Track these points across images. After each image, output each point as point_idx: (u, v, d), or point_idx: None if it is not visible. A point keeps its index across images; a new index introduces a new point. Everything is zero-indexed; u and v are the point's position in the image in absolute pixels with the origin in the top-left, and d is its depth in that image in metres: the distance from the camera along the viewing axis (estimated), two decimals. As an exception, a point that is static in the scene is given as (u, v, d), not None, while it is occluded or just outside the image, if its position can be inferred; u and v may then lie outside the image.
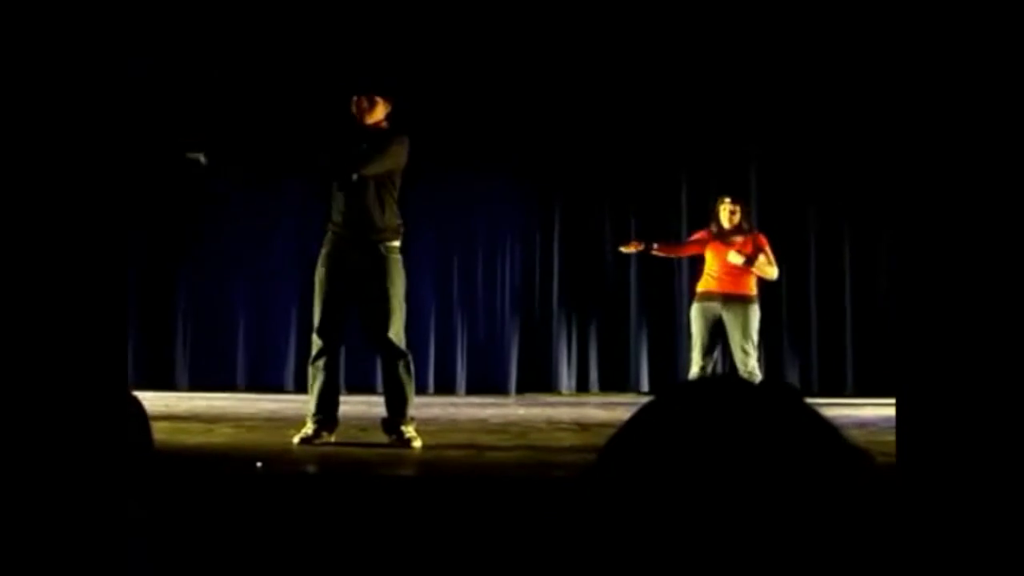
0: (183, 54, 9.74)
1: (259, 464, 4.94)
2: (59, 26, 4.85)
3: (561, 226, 11.12)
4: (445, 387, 10.74)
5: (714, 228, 7.88)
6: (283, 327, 10.55)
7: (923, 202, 4.35)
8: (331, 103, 6.50)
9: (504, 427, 7.30)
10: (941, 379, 4.18)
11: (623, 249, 8.24)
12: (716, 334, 7.79)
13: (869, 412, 7.97)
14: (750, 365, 7.64)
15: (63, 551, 1.27)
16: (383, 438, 5.96)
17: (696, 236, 8.07)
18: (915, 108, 4.43)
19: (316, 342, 6.04)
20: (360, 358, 9.86)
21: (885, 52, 6.39)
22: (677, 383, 1.07)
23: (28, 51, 4.78)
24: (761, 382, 1.02)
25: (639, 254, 8.31)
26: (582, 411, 8.77)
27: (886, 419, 5.97)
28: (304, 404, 6.19)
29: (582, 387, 11.05)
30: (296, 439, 5.88)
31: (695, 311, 7.84)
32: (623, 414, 0.98)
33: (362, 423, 6.75)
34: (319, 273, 6.06)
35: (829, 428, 0.93)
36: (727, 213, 7.79)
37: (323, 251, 6.08)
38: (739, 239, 7.79)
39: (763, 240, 7.89)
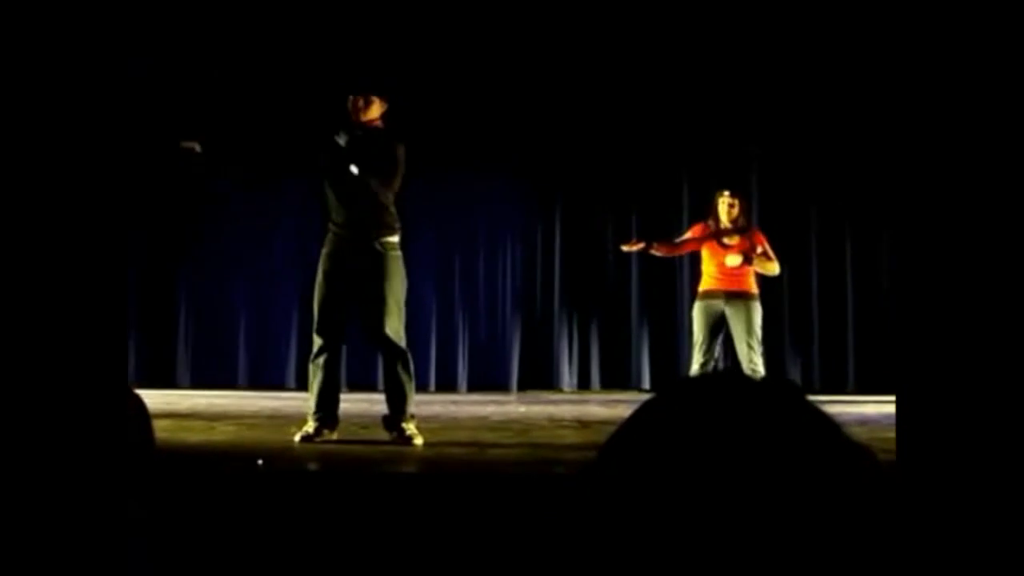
0: (183, 54, 9.74)
1: (260, 462, 4.94)
2: (59, 26, 4.85)
3: (562, 224, 11.12)
4: (446, 385, 10.74)
5: (711, 222, 7.86)
6: (284, 325, 10.56)
7: (923, 200, 4.35)
8: (331, 103, 6.50)
9: (505, 425, 7.31)
10: (941, 376, 4.18)
11: (624, 248, 8.23)
12: (717, 332, 7.79)
13: (870, 409, 7.97)
14: (754, 361, 7.64)
15: (63, 550, 1.27)
16: (384, 436, 5.96)
17: (693, 232, 8.03)
18: (916, 107, 4.42)
19: (316, 340, 6.05)
20: (361, 356, 9.87)
21: (885, 50, 6.39)
22: (678, 380, 1.07)
23: (28, 51, 4.78)
24: (763, 378, 1.02)
25: (640, 252, 8.30)
26: (583, 408, 8.77)
27: (887, 416, 5.97)
28: (305, 402, 6.20)
29: (583, 384, 11.05)
30: (297, 437, 5.89)
31: (697, 309, 7.84)
32: (624, 411, 0.98)
33: (363, 421, 6.75)
34: (319, 273, 6.08)
35: (831, 425, 0.93)
36: (725, 207, 7.78)
37: (324, 251, 6.10)
38: (735, 240, 7.77)
39: (760, 237, 7.88)
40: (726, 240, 7.79)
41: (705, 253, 7.86)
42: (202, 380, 10.52)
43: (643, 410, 0.96)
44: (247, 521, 3.99)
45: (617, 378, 11.03)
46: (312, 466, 5.26)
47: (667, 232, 9.85)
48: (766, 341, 7.99)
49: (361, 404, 7.46)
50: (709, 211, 7.97)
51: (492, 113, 10.49)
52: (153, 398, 6.16)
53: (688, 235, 8.03)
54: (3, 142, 4.70)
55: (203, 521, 3.82)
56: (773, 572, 0.86)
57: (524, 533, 3.40)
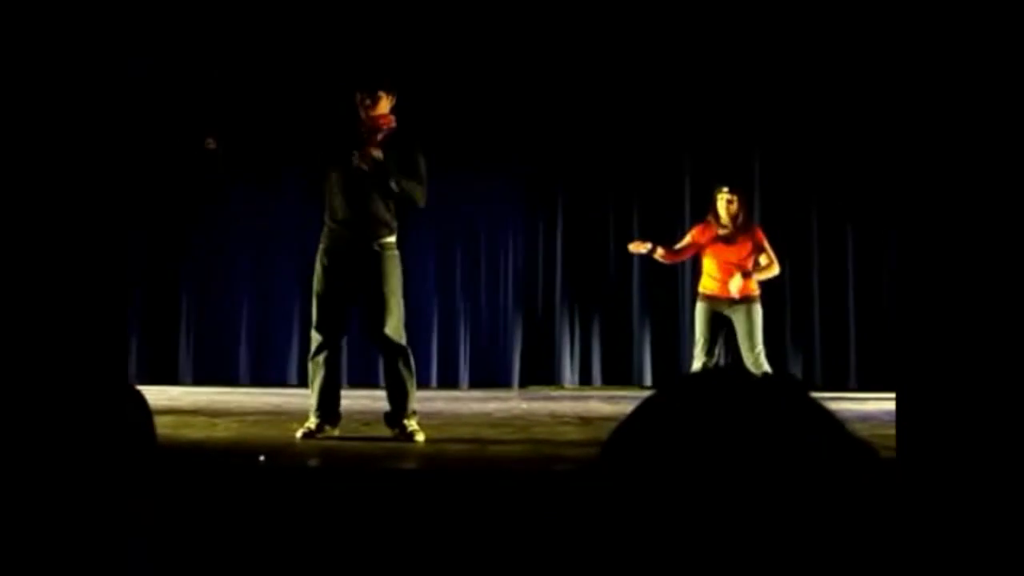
0: (183, 54, 9.74)
1: (262, 458, 4.95)
2: (60, 26, 4.85)
3: (564, 220, 11.11)
4: (448, 381, 10.74)
5: (711, 219, 7.84)
6: (285, 322, 10.55)
7: (925, 198, 4.34)
8: (331, 102, 6.50)
9: (507, 421, 7.31)
10: (942, 374, 4.18)
11: (631, 249, 8.17)
12: (719, 331, 7.78)
13: (871, 406, 7.96)
14: (759, 363, 7.63)
15: (63, 548, 1.27)
16: (386, 432, 5.97)
17: (693, 234, 7.98)
18: (918, 105, 4.42)
19: (315, 338, 6.05)
20: (362, 353, 9.87)
21: (888, 48, 6.38)
22: (680, 376, 1.06)
23: (29, 51, 4.78)
24: (764, 374, 1.02)
25: (644, 255, 8.22)
26: (585, 405, 8.77)
27: (888, 413, 5.97)
28: (306, 399, 6.20)
29: (585, 381, 11.04)
30: (299, 433, 5.89)
31: (699, 309, 7.82)
32: (626, 408, 0.98)
33: (365, 417, 6.75)
34: (316, 270, 6.08)
35: (833, 421, 0.93)
36: (724, 203, 7.75)
37: (321, 247, 6.09)
38: (735, 246, 7.74)
39: (760, 234, 7.86)
40: (726, 238, 7.78)
41: (708, 257, 7.83)
42: (204, 377, 10.51)
43: (645, 406, 0.96)
44: (249, 517, 4.00)
45: (619, 374, 11.02)
46: (314, 462, 5.27)
47: (669, 229, 9.84)
48: (767, 338, 7.98)
49: (363, 400, 7.46)
50: (709, 208, 7.95)
51: (493, 109, 10.49)
52: (155, 395, 6.17)
53: (688, 239, 7.99)
54: (4, 142, 4.70)
55: (205, 518, 3.82)
56: (775, 568, 0.86)
57: (526, 529, 3.40)
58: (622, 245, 10.50)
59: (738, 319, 7.69)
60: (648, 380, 10.86)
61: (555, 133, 10.74)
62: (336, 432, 5.97)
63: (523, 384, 10.82)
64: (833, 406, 0.96)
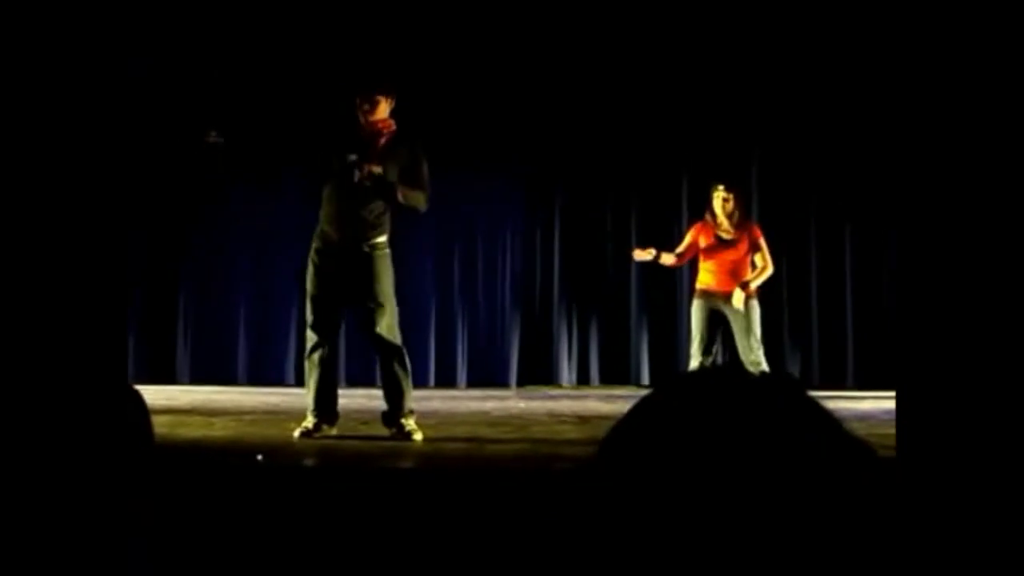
0: (183, 54, 9.73)
1: (260, 457, 4.95)
2: (60, 26, 4.85)
3: (562, 219, 11.11)
4: (446, 380, 10.74)
5: (708, 217, 7.84)
6: (283, 321, 10.55)
7: (924, 196, 4.35)
8: (331, 103, 6.49)
9: (505, 420, 7.31)
10: (941, 373, 4.18)
11: (637, 256, 8.16)
12: (716, 329, 7.77)
13: (869, 405, 7.96)
14: (756, 360, 7.63)
15: (62, 548, 1.27)
16: (384, 431, 5.97)
17: (692, 235, 7.97)
18: (917, 104, 4.42)
19: (310, 337, 6.03)
20: (361, 353, 9.86)
21: (886, 47, 6.38)
22: (677, 375, 1.07)
23: (29, 51, 4.78)
24: (762, 373, 1.02)
25: (648, 261, 8.18)
26: (583, 404, 8.77)
27: (886, 412, 5.97)
28: (304, 398, 6.20)
29: (583, 380, 11.04)
30: (296, 432, 5.89)
31: (696, 307, 7.82)
32: (624, 407, 0.98)
33: (363, 416, 6.75)
34: (308, 270, 6.07)
35: (830, 420, 0.93)
36: (720, 201, 7.75)
37: (313, 246, 6.09)
38: (733, 236, 7.74)
39: (757, 232, 7.86)
40: (724, 236, 7.77)
41: (708, 258, 7.82)
42: (201, 376, 10.51)
43: (643, 405, 0.96)
44: (247, 517, 4.00)
45: (616, 373, 11.01)
46: (311, 462, 5.27)
47: (667, 230, 9.86)
48: (765, 336, 7.98)
49: (360, 400, 7.46)
50: (706, 207, 7.95)
51: (492, 110, 10.48)
52: (152, 394, 6.17)
53: (688, 239, 7.98)
54: (4, 142, 4.70)
55: (203, 517, 3.82)
56: (773, 567, 0.86)
57: (524, 529, 3.40)
58: (620, 245, 10.52)
59: (736, 317, 7.69)
60: (645, 379, 10.86)
61: (554, 133, 10.74)
62: (334, 431, 5.97)
63: (521, 383, 10.82)
64: (831, 405, 0.96)
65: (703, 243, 7.80)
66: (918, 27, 4.41)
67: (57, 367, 1.35)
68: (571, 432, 6.57)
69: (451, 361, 10.86)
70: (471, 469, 5.00)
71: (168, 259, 10.64)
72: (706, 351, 7.71)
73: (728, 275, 7.72)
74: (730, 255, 7.74)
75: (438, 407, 7.98)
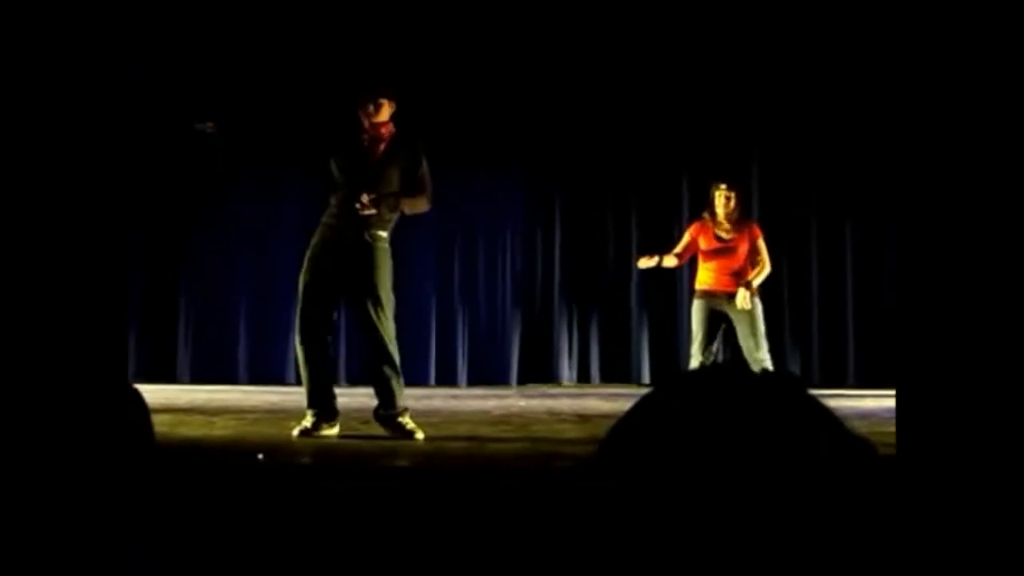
0: (183, 54, 9.73)
1: (260, 456, 4.95)
2: (60, 26, 4.85)
3: (562, 217, 11.11)
4: (446, 379, 10.74)
5: (708, 216, 7.83)
6: (284, 320, 10.52)
7: (925, 194, 4.34)
8: (332, 103, 6.49)
9: (505, 419, 7.30)
10: (942, 370, 4.18)
11: (640, 265, 8.16)
12: (716, 329, 7.76)
13: (870, 403, 7.96)
14: (760, 358, 7.62)
15: (62, 548, 1.27)
16: (384, 430, 5.96)
17: (692, 234, 7.95)
18: (918, 103, 4.42)
19: (304, 336, 6.00)
20: (360, 352, 9.86)
21: (887, 46, 6.38)
22: (678, 373, 1.07)
23: (29, 51, 4.78)
24: (763, 371, 1.02)
25: (654, 267, 8.16)
26: (583, 402, 8.77)
27: (887, 410, 5.97)
28: (302, 393, 6.18)
29: (583, 378, 11.05)
30: (295, 431, 5.88)
31: (696, 307, 7.80)
32: (625, 405, 0.98)
33: (363, 415, 6.75)
34: (305, 264, 6.04)
35: (831, 418, 0.93)
36: (723, 199, 7.74)
37: (312, 242, 6.07)
38: (732, 235, 7.73)
39: (757, 231, 7.84)
40: (724, 236, 7.77)
41: (707, 259, 7.81)
42: (202, 375, 10.51)
43: (643, 404, 0.96)
44: (247, 516, 4.00)
45: (617, 372, 11.02)
46: (312, 460, 5.27)
47: (667, 229, 9.86)
48: (766, 334, 7.97)
49: (360, 399, 7.45)
50: (706, 205, 7.94)
51: (493, 110, 10.48)
52: (153, 393, 6.16)
53: (687, 238, 7.96)
54: (4, 143, 4.70)
55: (203, 516, 3.82)
56: (774, 566, 0.86)
57: (524, 527, 3.40)
58: (621, 244, 10.52)
59: (739, 318, 7.66)
60: (646, 378, 10.87)
61: (554, 133, 10.74)
62: (335, 430, 5.96)
63: (521, 382, 10.82)
64: (831, 403, 0.96)
65: (702, 243, 7.79)
66: (918, 27, 4.41)
67: (57, 367, 1.35)
68: (572, 431, 6.57)
69: (452, 360, 10.86)
70: (471, 468, 5.00)
71: (168, 259, 10.65)
72: (706, 349, 7.70)
73: (728, 275, 7.70)
74: (730, 254, 7.73)
75: (439, 406, 7.98)
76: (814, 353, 10.85)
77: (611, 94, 10.52)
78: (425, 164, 6.09)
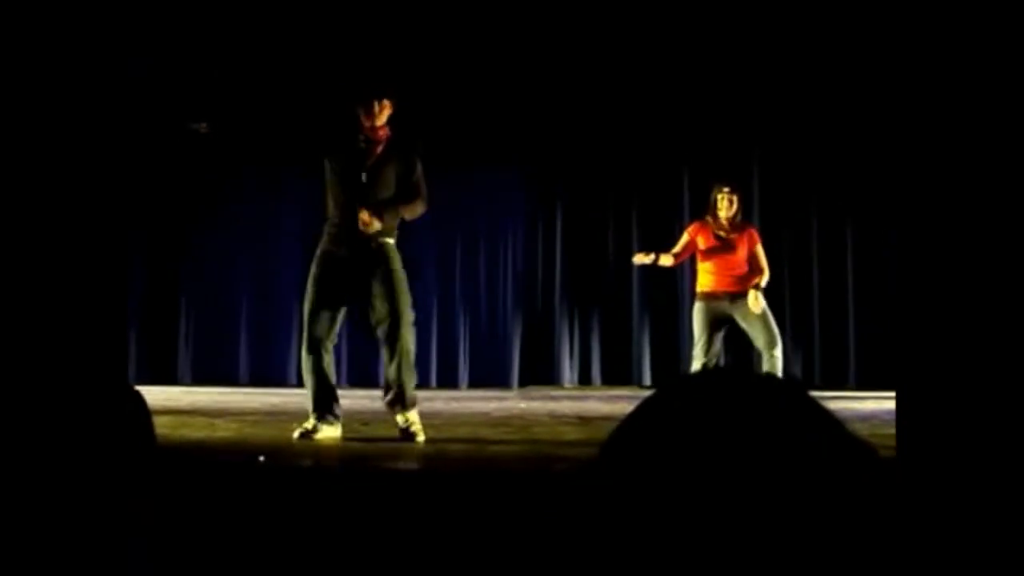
0: (183, 54, 9.74)
1: (261, 458, 4.94)
2: (60, 26, 4.85)
3: (563, 219, 11.12)
4: (447, 381, 10.75)
5: (709, 218, 7.83)
6: (285, 322, 10.56)
7: (925, 196, 4.34)
8: (331, 103, 6.48)
9: (506, 421, 7.30)
10: (942, 373, 4.18)
11: (636, 261, 8.17)
12: (718, 331, 7.75)
13: (871, 405, 7.97)
14: (776, 353, 7.61)
15: (63, 549, 1.27)
16: (386, 432, 5.96)
17: (691, 234, 7.95)
18: (918, 104, 4.42)
19: (309, 339, 6.00)
20: (361, 353, 9.87)
21: (888, 46, 6.38)
22: (680, 376, 1.06)
23: (29, 52, 4.78)
24: (764, 374, 1.02)
25: (649, 264, 8.17)
26: (584, 405, 8.77)
27: (887, 412, 5.97)
28: (306, 398, 6.19)
29: (584, 380, 11.05)
30: (296, 433, 5.88)
31: (697, 309, 7.79)
32: (626, 408, 0.98)
33: (364, 417, 6.75)
34: (314, 271, 6.04)
35: (832, 420, 0.93)
36: (725, 202, 7.74)
37: (319, 250, 6.06)
38: (732, 248, 7.73)
39: (756, 236, 7.85)
40: (723, 237, 7.76)
41: (708, 260, 7.80)
42: (203, 377, 10.52)
43: (645, 406, 0.96)
44: (248, 518, 3.99)
45: (618, 374, 11.02)
46: (312, 463, 5.26)
47: (667, 229, 9.86)
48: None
49: (360, 400, 7.47)
50: (707, 207, 7.93)
51: (493, 109, 10.49)
52: (154, 395, 6.17)
53: (686, 238, 7.96)
54: (4, 143, 4.70)
55: (204, 518, 3.82)
56: (775, 568, 0.86)
57: (525, 529, 3.40)
58: (622, 245, 10.52)
59: (746, 312, 7.64)
60: (647, 380, 10.87)
61: (555, 133, 10.75)
62: (337, 432, 5.96)
63: (522, 384, 10.83)
64: (832, 405, 0.96)
65: (702, 244, 7.79)
66: (918, 26, 4.41)
67: (57, 367, 1.35)
68: (572, 433, 6.57)
69: (453, 361, 10.87)
70: (472, 470, 5.00)
71: (168, 259, 10.65)
72: (708, 352, 7.70)
73: (728, 276, 7.70)
74: (729, 256, 7.72)
75: (440, 407, 7.98)
76: (815, 355, 10.86)
77: (612, 94, 10.53)
78: (420, 167, 6.09)
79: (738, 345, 8.49)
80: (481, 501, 4.12)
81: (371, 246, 5.94)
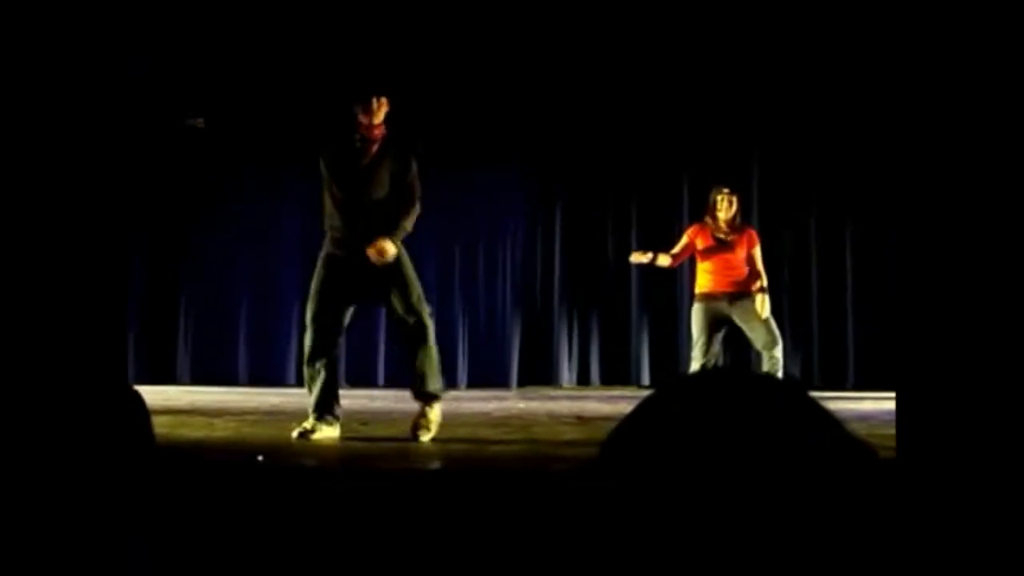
0: (183, 54, 9.74)
1: (260, 458, 4.94)
2: (60, 26, 4.85)
3: (562, 219, 11.12)
4: (446, 381, 10.72)
5: (709, 220, 7.83)
6: (285, 321, 10.56)
7: (925, 196, 4.34)
8: (331, 103, 6.48)
9: (505, 421, 7.30)
10: (942, 373, 4.18)
11: (633, 260, 8.18)
12: (717, 332, 7.75)
13: (870, 406, 7.96)
14: (777, 354, 7.62)
15: (62, 549, 1.27)
16: (385, 432, 5.97)
17: (690, 236, 7.95)
18: (917, 103, 4.42)
19: (313, 341, 6.00)
20: (362, 353, 9.88)
21: (887, 47, 6.38)
22: (679, 376, 1.06)
23: (29, 52, 4.78)
24: (763, 374, 1.02)
25: (646, 263, 8.18)
26: (583, 405, 8.77)
27: (887, 413, 5.97)
28: (305, 398, 6.19)
29: (583, 380, 11.05)
30: (295, 433, 5.88)
31: (696, 310, 7.79)
32: (625, 408, 0.98)
33: (363, 417, 6.75)
34: (318, 270, 6.04)
35: (831, 421, 0.93)
36: (725, 204, 7.75)
37: (322, 253, 6.06)
38: (732, 249, 7.73)
39: (755, 238, 7.85)
40: (722, 238, 7.77)
41: (708, 260, 7.81)
42: (202, 376, 10.52)
43: (644, 406, 0.96)
44: (247, 517, 3.99)
45: (617, 374, 11.02)
46: (312, 462, 5.26)
47: (667, 230, 9.86)
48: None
49: (360, 400, 7.47)
50: (707, 209, 7.94)
51: (493, 109, 10.49)
52: (153, 394, 6.17)
53: (685, 240, 7.97)
54: (4, 143, 4.70)
55: (203, 518, 3.82)
56: (775, 569, 0.86)
57: (524, 529, 3.40)
58: (621, 245, 10.53)
59: (745, 311, 7.64)
60: (646, 380, 10.87)
61: (555, 133, 10.75)
62: (336, 432, 5.96)
63: (521, 384, 10.82)
64: (831, 406, 0.96)
65: (700, 244, 7.80)
66: (918, 26, 4.41)
67: (57, 367, 1.35)
68: (571, 433, 6.57)
69: (452, 361, 10.86)
70: (471, 470, 5.00)
71: (168, 259, 10.65)
72: (707, 352, 7.70)
73: (727, 277, 7.70)
74: (728, 257, 7.73)
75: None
76: (814, 355, 10.86)
77: (612, 95, 10.53)
78: (415, 167, 6.08)
79: (738, 345, 8.49)
80: (481, 501, 4.12)
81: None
